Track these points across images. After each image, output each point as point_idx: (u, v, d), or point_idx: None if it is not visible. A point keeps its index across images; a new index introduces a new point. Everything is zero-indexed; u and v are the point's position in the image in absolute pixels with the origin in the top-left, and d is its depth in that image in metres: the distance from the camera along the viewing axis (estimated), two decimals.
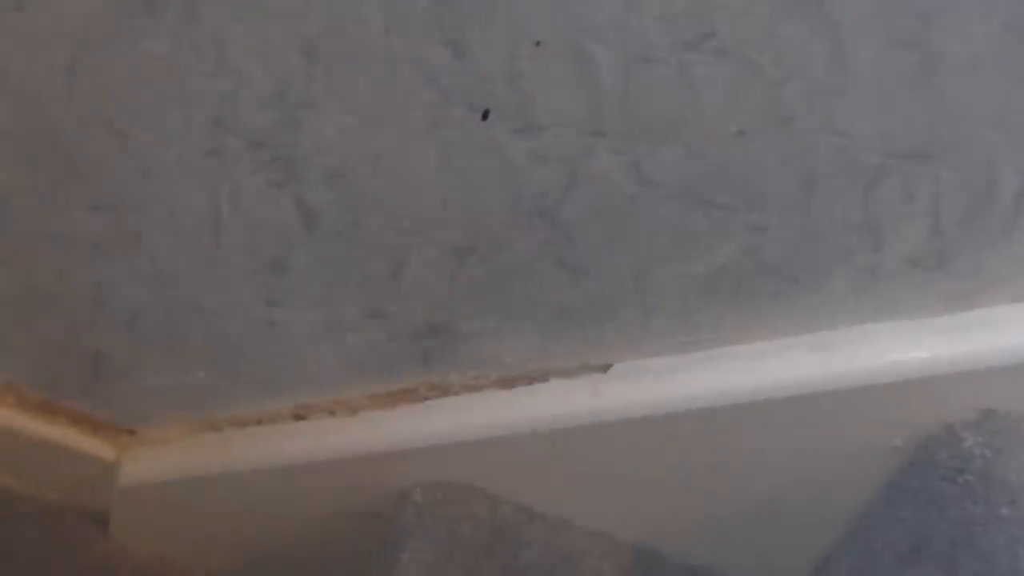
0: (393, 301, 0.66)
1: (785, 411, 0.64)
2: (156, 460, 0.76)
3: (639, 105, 0.55)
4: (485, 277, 0.64)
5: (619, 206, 0.59)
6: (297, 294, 0.67)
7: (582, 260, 0.62)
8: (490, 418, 0.69)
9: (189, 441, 0.76)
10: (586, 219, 0.60)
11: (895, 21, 0.51)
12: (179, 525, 0.79)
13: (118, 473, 0.77)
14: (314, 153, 0.59)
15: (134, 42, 0.55)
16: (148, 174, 0.62)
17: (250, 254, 0.65)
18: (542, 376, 0.69)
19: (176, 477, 0.75)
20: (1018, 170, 0.56)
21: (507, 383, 0.69)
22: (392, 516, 0.69)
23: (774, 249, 0.60)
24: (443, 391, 0.70)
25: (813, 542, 0.70)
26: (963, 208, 0.58)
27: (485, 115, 0.56)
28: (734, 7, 0.51)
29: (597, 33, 0.52)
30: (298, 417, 0.73)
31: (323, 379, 0.71)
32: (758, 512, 0.69)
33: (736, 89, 0.54)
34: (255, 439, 0.74)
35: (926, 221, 0.58)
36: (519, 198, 0.60)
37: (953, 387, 0.62)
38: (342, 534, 0.75)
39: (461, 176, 0.59)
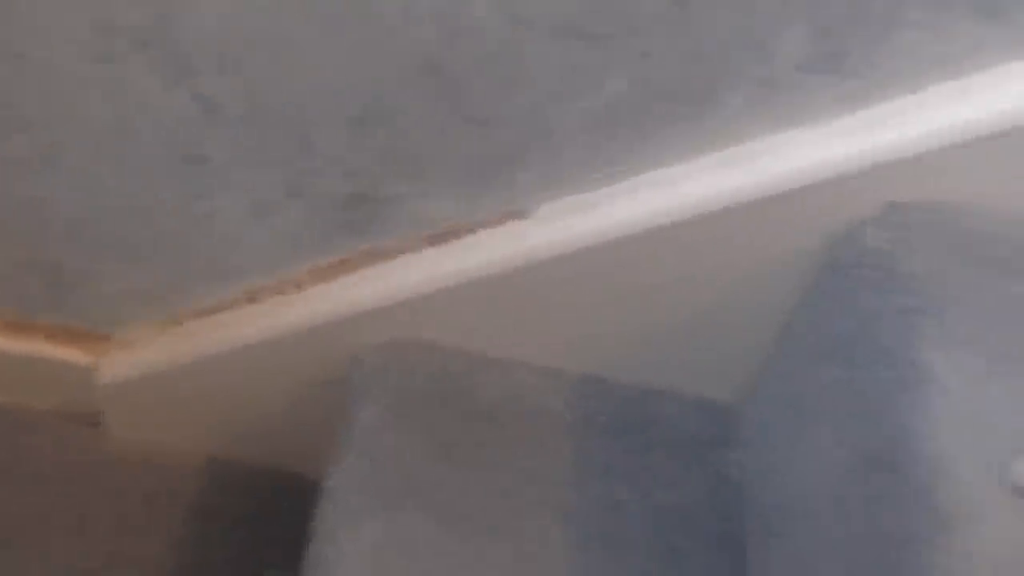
0: (308, 177, 0.68)
1: (704, 228, 0.65)
2: (131, 359, 0.81)
3: None
4: (389, 141, 0.65)
5: (500, 51, 0.59)
6: (220, 184, 0.69)
7: (478, 110, 0.63)
8: (426, 275, 0.71)
9: (158, 337, 0.80)
10: (472, 69, 0.60)
11: None
12: (164, 416, 0.84)
13: (99, 376, 0.82)
14: (198, 45, 0.60)
15: None
16: (49, 90, 0.64)
17: (165, 152, 0.67)
18: (470, 229, 0.71)
19: (151, 371, 0.80)
20: None
21: (437, 240, 0.71)
22: (348, 380, 0.73)
23: (662, 74, 0.60)
24: (379, 256, 0.72)
25: (750, 353, 0.72)
26: (843, 3, 0.57)
27: None
28: None
29: None
30: (251, 300, 0.77)
31: (265, 261, 0.74)
32: (692, 328, 0.71)
33: None
34: (215, 326, 0.77)
35: (806, 25, 0.57)
36: (403, 58, 0.60)
37: (860, 186, 0.62)
38: (309, 403, 0.79)
39: (344, 46, 0.60)
